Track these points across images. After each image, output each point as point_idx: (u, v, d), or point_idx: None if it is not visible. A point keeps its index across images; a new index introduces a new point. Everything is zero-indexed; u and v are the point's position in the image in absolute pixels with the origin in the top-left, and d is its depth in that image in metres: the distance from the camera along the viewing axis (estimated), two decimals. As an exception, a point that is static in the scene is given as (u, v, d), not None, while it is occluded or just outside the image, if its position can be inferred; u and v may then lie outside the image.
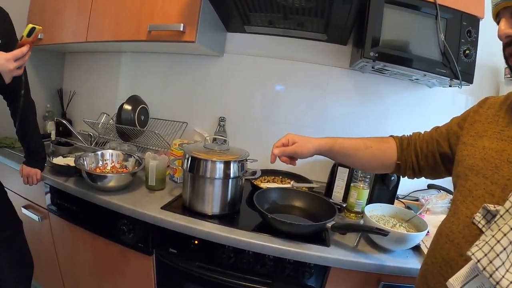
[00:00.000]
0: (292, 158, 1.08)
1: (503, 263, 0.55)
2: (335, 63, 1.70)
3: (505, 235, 0.55)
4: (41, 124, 2.24)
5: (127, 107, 1.79)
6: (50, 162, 1.55)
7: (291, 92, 1.82)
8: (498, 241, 0.55)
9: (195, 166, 1.22)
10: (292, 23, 1.56)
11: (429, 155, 0.95)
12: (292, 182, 1.53)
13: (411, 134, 1.04)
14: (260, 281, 1.17)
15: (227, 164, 1.21)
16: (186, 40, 1.45)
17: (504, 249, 0.55)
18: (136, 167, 1.51)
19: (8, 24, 1.27)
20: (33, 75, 2.16)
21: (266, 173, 1.63)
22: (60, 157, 1.63)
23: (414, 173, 1.01)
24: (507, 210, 0.58)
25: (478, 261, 0.56)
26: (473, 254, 0.58)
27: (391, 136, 1.07)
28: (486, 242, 0.57)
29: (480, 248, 0.57)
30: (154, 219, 1.23)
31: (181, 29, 1.42)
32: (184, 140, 1.62)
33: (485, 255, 0.56)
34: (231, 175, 1.22)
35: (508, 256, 0.55)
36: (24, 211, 1.73)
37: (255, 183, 1.50)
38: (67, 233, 1.60)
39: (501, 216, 0.59)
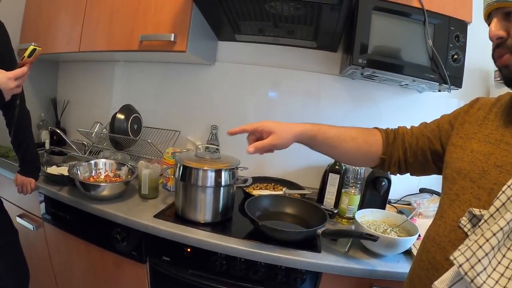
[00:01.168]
0: (269, 149, 0.96)
1: (485, 269, 0.55)
2: (325, 70, 1.72)
3: (487, 240, 0.55)
4: (35, 133, 2.24)
5: (120, 116, 1.80)
6: (44, 171, 1.56)
7: (283, 99, 1.83)
8: (480, 247, 0.56)
9: (187, 174, 1.24)
10: (282, 31, 1.58)
11: (419, 152, 0.91)
12: (284, 189, 1.54)
13: (397, 128, 0.98)
14: (253, 287, 1.18)
15: (218, 172, 1.22)
16: (177, 50, 1.46)
17: (486, 254, 0.55)
18: (129, 176, 1.52)
19: (4, 34, 1.28)
20: (27, 84, 2.16)
21: (258, 180, 1.64)
22: (54, 166, 1.64)
23: (400, 169, 0.96)
24: (491, 215, 0.59)
25: (460, 265, 0.57)
26: (455, 258, 0.58)
27: (375, 128, 1.00)
28: (469, 247, 0.57)
29: (462, 253, 0.57)
30: (147, 227, 1.24)
31: (172, 39, 1.43)
32: (176, 149, 1.63)
33: (467, 260, 0.56)
34: (223, 183, 1.24)
35: (490, 262, 0.56)
36: (19, 220, 1.73)
37: (247, 190, 1.52)
38: (62, 242, 1.60)
39: (485, 221, 0.59)
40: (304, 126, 0.96)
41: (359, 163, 1.15)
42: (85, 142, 1.99)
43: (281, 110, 1.82)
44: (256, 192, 1.50)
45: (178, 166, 1.26)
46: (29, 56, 1.08)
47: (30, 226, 1.68)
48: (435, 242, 0.71)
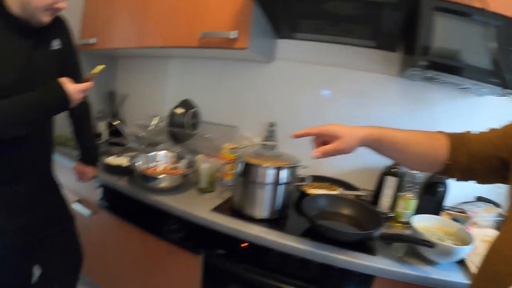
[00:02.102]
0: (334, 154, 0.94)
1: None
2: (383, 70, 1.68)
3: None
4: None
5: (179, 110, 1.84)
6: (103, 161, 1.62)
7: (336, 98, 1.80)
8: None
9: (247, 171, 1.25)
10: (340, 30, 1.56)
11: (485, 159, 0.85)
12: (340, 189, 1.53)
13: (463, 132, 0.92)
14: (305, 286, 1.17)
15: (278, 170, 1.23)
16: (238, 47, 1.47)
17: None
18: (187, 169, 1.55)
19: (68, 31, 1.33)
20: (85, 78, 2.27)
21: (314, 179, 1.62)
22: (113, 157, 1.70)
23: (463, 176, 0.90)
24: None
25: None
26: None
27: (440, 132, 0.93)
28: None
29: None
30: (205, 220, 1.27)
31: (233, 36, 1.44)
32: (234, 144, 1.65)
33: None
34: (282, 181, 1.24)
35: None
36: (75, 205, 1.81)
37: (303, 189, 1.51)
38: (116, 229, 1.67)
39: None
40: (369, 130, 0.93)
41: (423, 169, 1.07)
42: (142, 135, 2.04)
43: (332, 109, 1.80)
44: (311, 191, 1.50)
45: (239, 162, 1.28)
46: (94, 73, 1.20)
47: (86, 212, 1.75)
48: (501, 256, 0.67)
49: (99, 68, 1.22)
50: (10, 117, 0.99)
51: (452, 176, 0.92)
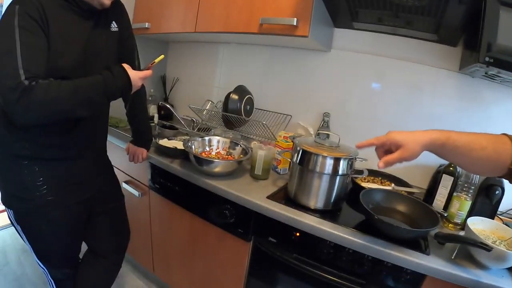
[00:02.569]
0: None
1: None
2: (442, 64, 1.61)
3: None
4: (144, 108, 2.40)
5: (234, 96, 1.84)
6: (156, 143, 1.65)
7: (390, 91, 1.74)
8: None
9: (305, 159, 1.24)
10: (402, 21, 1.51)
11: None
12: (392, 185, 1.50)
13: None
14: (354, 280, 1.16)
15: (337, 160, 1.21)
16: (299, 34, 1.45)
17: None
18: (241, 156, 1.57)
19: (125, 14, 1.36)
20: (140, 62, 2.32)
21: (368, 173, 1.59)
22: (166, 139, 1.74)
23: None
24: None
25: None
26: None
27: (505, 134, 0.90)
28: None
29: None
30: (260, 207, 1.26)
31: (294, 23, 1.42)
32: (289, 133, 1.63)
33: None
34: (340, 172, 1.22)
35: None
36: (125, 186, 1.86)
37: (356, 181, 1.49)
38: (165, 211, 1.70)
39: None
40: (432, 135, 0.91)
41: (486, 173, 1.04)
42: (194, 119, 2.06)
43: (385, 102, 1.75)
44: (364, 185, 1.47)
45: (298, 150, 1.27)
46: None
47: (135, 193, 1.80)
48: None
49: (161, 58, 1.28)
50: (75, 98, 1.00)
51: None
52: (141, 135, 1.59)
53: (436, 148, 0.91)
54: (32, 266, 2.05)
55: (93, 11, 1.14)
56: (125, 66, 1.14)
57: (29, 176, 1.13)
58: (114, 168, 1.68)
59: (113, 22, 1.26)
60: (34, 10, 0.95)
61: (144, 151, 1.59)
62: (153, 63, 1.27)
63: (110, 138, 1.84)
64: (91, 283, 1.47)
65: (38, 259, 1.30)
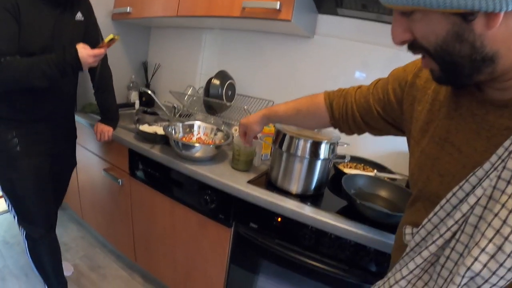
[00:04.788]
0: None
1: None
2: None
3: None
4: (125, 94, 2.35)
5: (216, 81, 1.82)
6: (137, 128, 1.62)
7: (378, 77, 1.72)
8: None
9: (287, 143, 1.22)
10: (386, 8, 1.50)
11: (368, 109, 0.87)
12: (375, 171, 1.49)
13: (347, 90, 0.96)
14: (337, 266, 1.15)
15: (318, 144, 1.19)
16: (282, 18, 1.41)
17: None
18: (222, 141, 1.54)
19: (89, 5, 1.51)
20: (120, 47, 2.27)
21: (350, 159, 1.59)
22: (146, 125, 1.70)
23: (353, 129, 0.96)
24: (423, 238, 0.57)
25: None
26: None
27: (324, 92, 1.02)
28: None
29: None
30: (241, 192, 1.25)
31: (278, 7, 1.39)
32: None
33: None
34: (321, 156, 1.21)
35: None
36: (104, 174, 1.83)
37: (338, 167, 1.48)
38: (146, 198, 1.67)
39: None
40: (262, 112, 1.15)
41: (315, 127, 1.18)
42: (175, 105, 2.03)
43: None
44: (347, 171, 1.46)
45: (279, 134, 1.25)
46: (108, 42, 1.33)
47: (117, 180, 1.76)
48: None
49: (110, 36, 1.33)
50: (31, 69, 1.19)
51: (342, 131, 1.01)
52: (107, 113, 1.71)
53: (268, 121, 1.15)
54: (13, 258, 2.00)
55: (59, 0, 1.30)
56: (80, 45, 1.28)
57: (3, 133, 1.35)
58: (94, 156, 1.72)
59: (79, 11, 1.42)
60: (9, 4, 1.16)
61: (110, 129, 1.66)
62: (104, 42, 1.34)
63: (89, 125, 1.83)
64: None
65: (17, 220, 1.49)
